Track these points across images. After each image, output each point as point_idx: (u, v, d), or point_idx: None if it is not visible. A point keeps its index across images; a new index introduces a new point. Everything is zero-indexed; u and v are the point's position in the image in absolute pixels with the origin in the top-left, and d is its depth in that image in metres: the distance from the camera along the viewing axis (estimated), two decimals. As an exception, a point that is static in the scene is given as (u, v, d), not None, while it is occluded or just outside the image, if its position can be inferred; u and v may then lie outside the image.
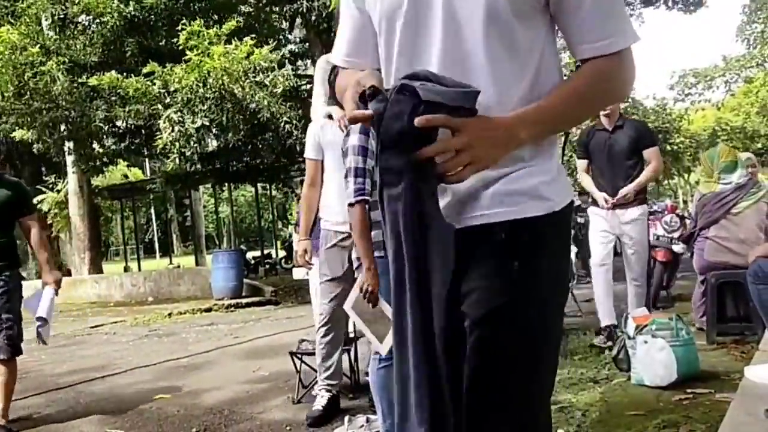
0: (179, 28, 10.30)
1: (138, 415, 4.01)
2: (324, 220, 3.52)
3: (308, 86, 15.41)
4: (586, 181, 4.90)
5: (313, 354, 4.17)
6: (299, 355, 4.15)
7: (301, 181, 25.00)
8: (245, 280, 11.99)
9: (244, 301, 10.91)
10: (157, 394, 4.50)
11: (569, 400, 3.45)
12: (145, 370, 5.54)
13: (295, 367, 4.15)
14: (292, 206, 34.67)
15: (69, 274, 17.58)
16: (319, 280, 3.64)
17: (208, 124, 10.13)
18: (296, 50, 18.08)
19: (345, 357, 4.13)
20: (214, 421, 3.73)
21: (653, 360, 3.58)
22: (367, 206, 2.52)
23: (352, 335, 4.15)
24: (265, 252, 23.34)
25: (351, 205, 2.55)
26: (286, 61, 16.63)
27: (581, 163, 5.02)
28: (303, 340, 4.45)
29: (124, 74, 11.13)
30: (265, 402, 4.11)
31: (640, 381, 3.65)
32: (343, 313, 3.67)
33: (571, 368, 4.13)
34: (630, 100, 33.93)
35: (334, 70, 2.87)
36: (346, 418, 3.36)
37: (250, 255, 21.30)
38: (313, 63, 16.00)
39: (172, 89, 10.36)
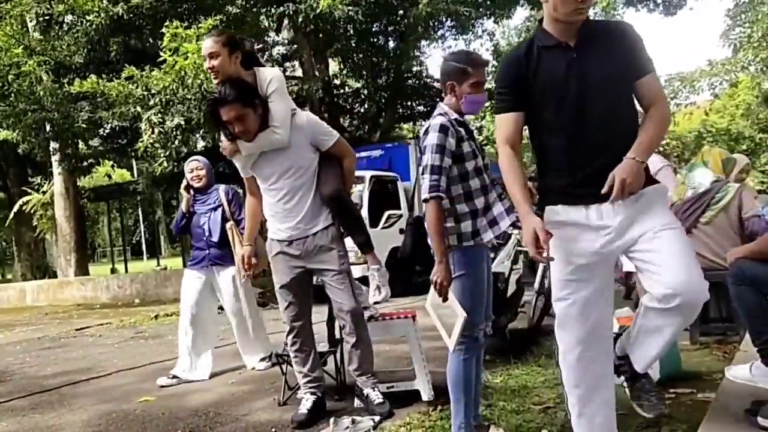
0: (163, 29, 10.25)
1: (123, 418, 3.99)
2: (268, 231, 3.65)
3: (296, 87, 15.43)
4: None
5: (299, 356, 4.18)
6: (284, 357, 4.15)
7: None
8: (232, 282, 11.92)
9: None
10: (142, 396, 4.48)
11: (553, 400, 3.48)
12: (131, 372, 5.51)
13: (281, 369, 4.15)
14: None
15: (55, 276, 17.44)
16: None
17: (183, 123, 10.07)
18: (284, 52, 18.07)
19: (331, 359, 4.14)
20: (199, 423, 3.73)
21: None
22: (443, 201, 2.65)
23: (337, 337, 4.16)
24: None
25: (426, 200, 2.65)
26: (274, 63, 16.61)
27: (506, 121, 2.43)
28: (288, 343, 4.45)
29: (109, 75, 11.07)
30: (251, 404, 4.10)
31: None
32: (307, 319, 3.67)
33: (556, 369, 4.16)
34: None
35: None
36: (332, 419, 3.37)
37: (238, 257, 21.19)
38: (302, 64, 16.02)
39: (153, 91, 10.32)
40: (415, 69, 18.46)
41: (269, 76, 3.42)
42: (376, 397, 3.56)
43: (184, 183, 5.04)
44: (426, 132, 2.73)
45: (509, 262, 4.99)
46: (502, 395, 3.65)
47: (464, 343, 2.74)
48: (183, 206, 5.07)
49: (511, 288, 5.02)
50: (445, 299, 2.62)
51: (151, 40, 11.96)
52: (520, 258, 5.26)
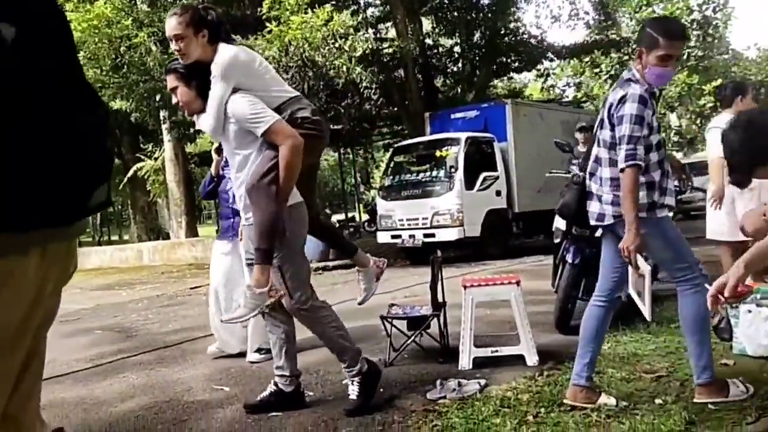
0: (262, -3, 10.46)
1: (241, 373, 4.25)
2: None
3: (390, 49, 15.37)
4: None
5: (403, 318, 4.27)
6: (389, 319, 4.25)
7: (384, 146, 24.82)
8: (331, 244, 12.26)
9: (331, 264, 11.21)
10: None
11: (666, 369, 3.38)
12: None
13: (386, 331, 4.26)
14: (374, 170, 34.96)
15: (167, 237, 18.60)
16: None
17: None
18: (377, 13, 17.99)
19: (434, 323, 4.20)
20: (310, 381, 3.91)
21: (757, 330, 3.44)
22: (639, 170, 2.74)
23: (441, 300, 4.21)
24: (349, 215, 23.66)
25: (622, 170, 2.74)
26: (368, 25, 16.58)
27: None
28: (392, 305, 4.56)
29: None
30: (358, 363, 4.24)
31: (742, 351, 3.53)
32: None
33: (667, 336, 4.03)
34: (730, 51, 31.65)
35: None
36: (438, 381, 3.44)
37: (334, 218, 21.77)
38: (395, 25, 15.93)
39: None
40: (511, 25, 17.89)
41: (218, 59, 3.11)
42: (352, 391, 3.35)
43: (215, 145, 4.63)
44: (623, 100, 2.77)
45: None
46: (611, 362, 3.58)
47: (694, 278, 2.81)
48: (212, 169, 4.77)
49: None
50: (632, 265, 2.74)
51: (250, 9, 12.22)
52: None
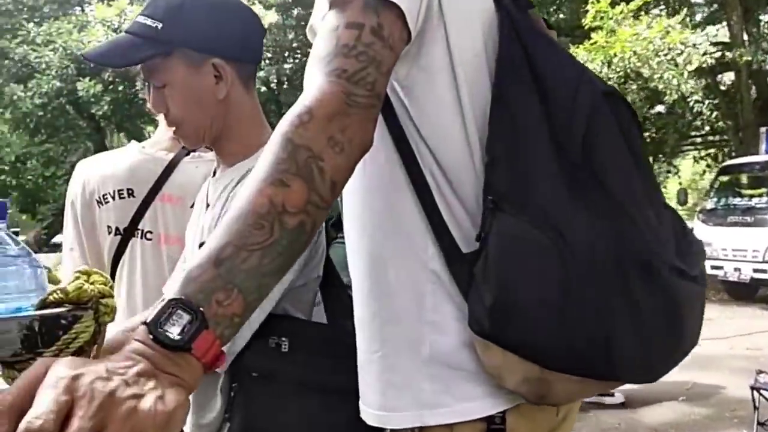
0: (588, 6, 10.10)
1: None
2: None
3: (717, 54, 13.78)
4: None
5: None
6: (759, 390, 3.71)
7: (695, 158, 22.57)
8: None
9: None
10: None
11: None
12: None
13: (753, 403, 3.72)
14: (667, 181, 31.98)
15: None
16: None
17: None
18: (705, 13, 16.30)
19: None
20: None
21: None
22: None
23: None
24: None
25: None
26: (694, 27, 15.11)
27: None
28: (760, 372, 3.98)
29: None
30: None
31: None
32: None
33: None
34: None
35: None
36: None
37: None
38: (729, 28, 14.20)
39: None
40: None
41: None
42: None
43: None
44: None
45: None
46: None
47: None
48: None
49: None
50: None
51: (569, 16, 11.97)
52: None
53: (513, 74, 0.79)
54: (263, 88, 17.22)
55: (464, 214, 0.80)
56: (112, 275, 1.39)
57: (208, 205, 1.11)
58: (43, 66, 14.89)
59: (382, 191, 0.84)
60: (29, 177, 16.84)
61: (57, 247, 18.34)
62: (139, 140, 1.54)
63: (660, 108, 13.84)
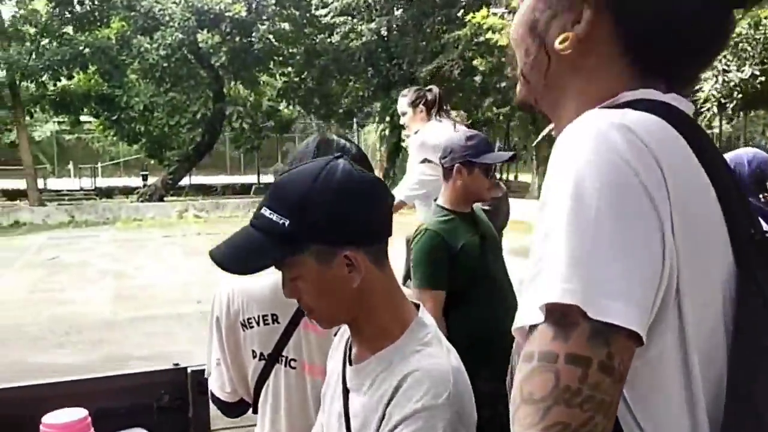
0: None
1: None
2: None
3: None
4: None
5: None
6: None
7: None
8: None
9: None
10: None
11: None
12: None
13: None
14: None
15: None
16: None
17: (758, 74, 8.76)
18: None
19: None
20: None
21: None
22: None
23: None
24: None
25: None
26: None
27: None
28: None
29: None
30: None
31: None
32: None
33: None
34: None
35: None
36: None
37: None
38: None
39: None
40: None
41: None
42: None
43: None
44: None
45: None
46: None
47: None
48: None
49: None
50: None
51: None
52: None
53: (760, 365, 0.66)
54: (374, 37, 17.05)
55: None
56: (256, 398, 1.43)
57: (346, 388, 1.09)
58: (167, 18, 15.48)
59: None
60: (156, 124, 17.81)
61: (181, 190, 19.55)
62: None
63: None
